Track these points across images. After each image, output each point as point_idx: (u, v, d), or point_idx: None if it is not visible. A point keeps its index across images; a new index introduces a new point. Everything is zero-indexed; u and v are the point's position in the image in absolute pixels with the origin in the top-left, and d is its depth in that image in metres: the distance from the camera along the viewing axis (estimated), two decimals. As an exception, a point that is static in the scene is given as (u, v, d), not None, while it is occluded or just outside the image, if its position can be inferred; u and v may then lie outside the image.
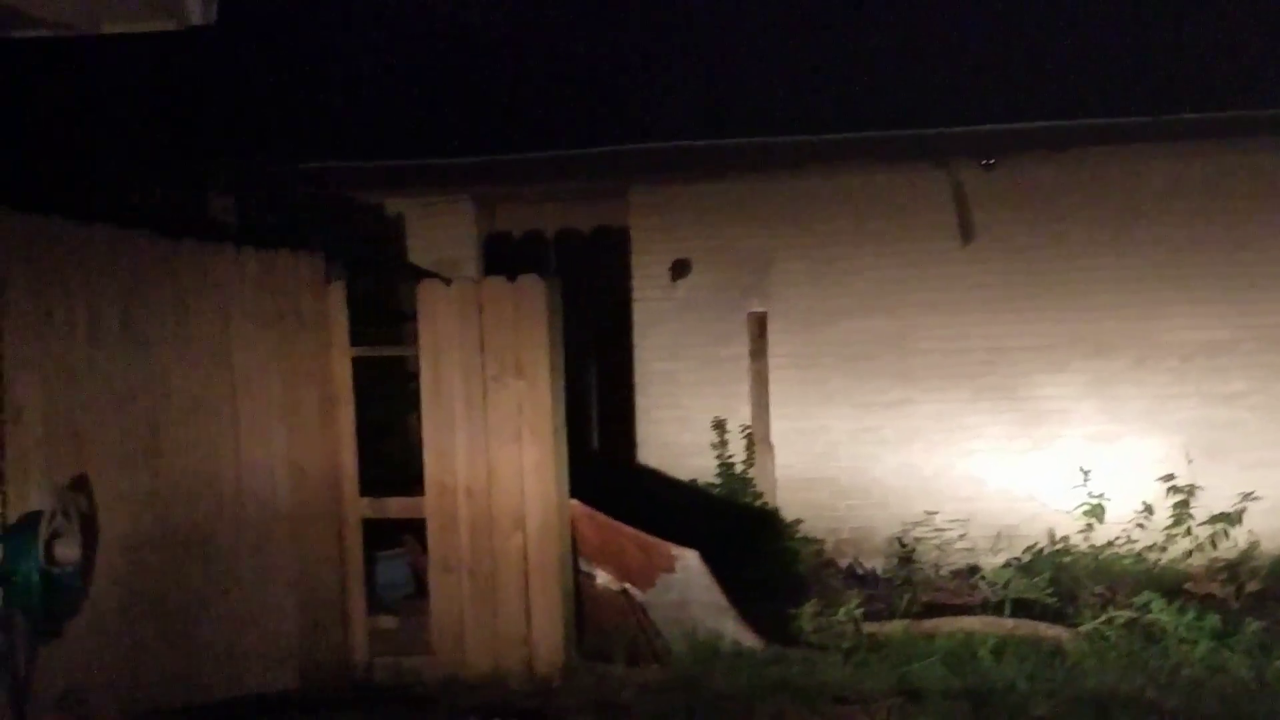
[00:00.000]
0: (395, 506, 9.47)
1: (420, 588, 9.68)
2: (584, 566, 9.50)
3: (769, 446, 12.84)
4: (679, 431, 12.99)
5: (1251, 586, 10.90)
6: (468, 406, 9.23)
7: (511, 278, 9.30)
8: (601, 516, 9.49)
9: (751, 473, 12.76)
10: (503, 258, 13.21)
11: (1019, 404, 12.57)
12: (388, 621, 9.51)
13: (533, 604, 9.09)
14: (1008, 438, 12.57)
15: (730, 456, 12.79)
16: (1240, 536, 11.75)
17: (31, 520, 6.93)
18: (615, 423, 13.49)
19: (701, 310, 13.06)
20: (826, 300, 12.87)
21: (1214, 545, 11.67)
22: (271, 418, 8.96)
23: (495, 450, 9.18)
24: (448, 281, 9.55)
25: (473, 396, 9.22)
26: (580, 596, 9.43)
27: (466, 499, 9.20)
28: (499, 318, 9.21)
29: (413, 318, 9.47)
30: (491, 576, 9.16)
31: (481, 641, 9.15)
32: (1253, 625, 9.07)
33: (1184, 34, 11.77)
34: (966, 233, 12.56)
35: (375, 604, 9.61)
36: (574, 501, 9.39)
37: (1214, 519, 11.72)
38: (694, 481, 12.78)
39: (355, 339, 9.48)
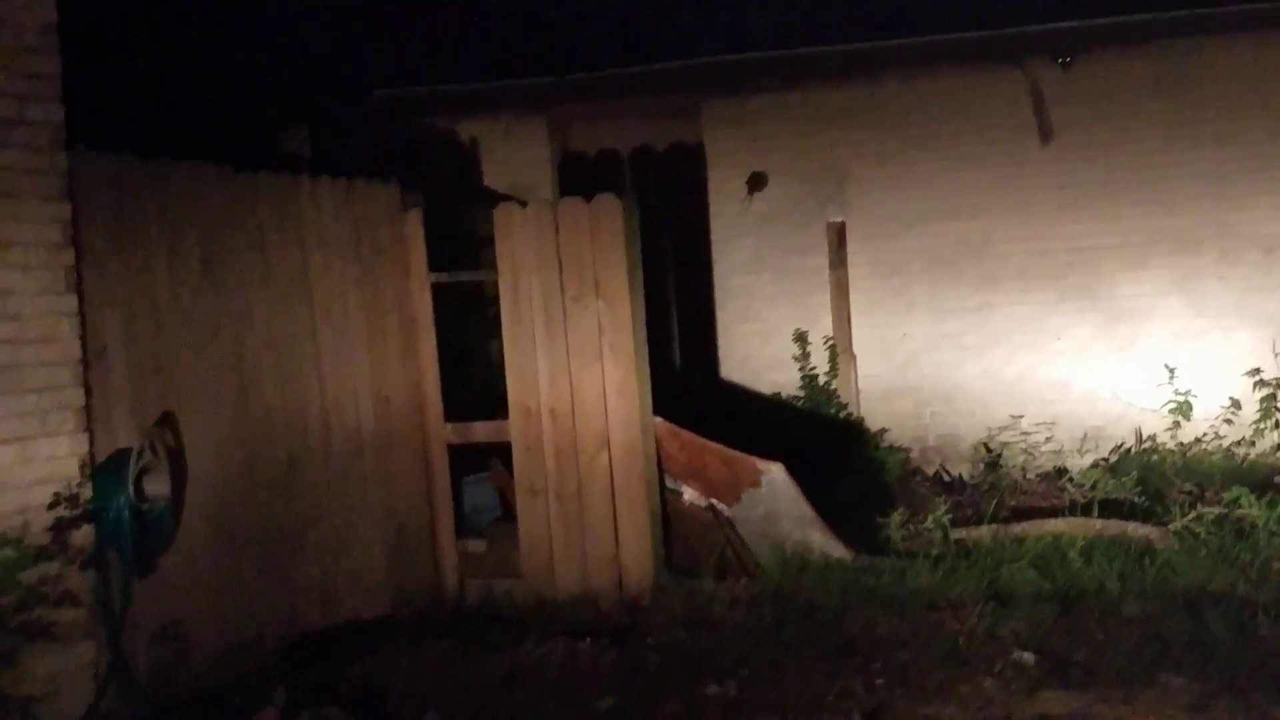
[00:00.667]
0: (480, 431, 9.55)
1: (507, 512, 9.77)
2: (670, 484, 9.53)
3: (851, 357, 12.82)
4: (760, 345, 13.00)
5: (1344, 479, 10.81)
6: (548, 329, 9.25)
7: (588, 198, 9.29)
8: (686, 434, 9.50)
9: (834, 384, 12.75)
10: (578, 178, 13.22)
11: (1102, 304, 12.47)
12: (476, 546, 9.61)
13: (620, 524, 9.15)
14: (1091, 338, 12.48)
15: (812, 368, 12.78)
16: (1328, 429, 11.67)
17: (120, 458, 7.00)
18: (696, 340, 13.50)
19: (779, 223, 13.02)
20: (905, 206, 12.80)
21: (1303, 438, 11.60)
22: (354, 348, 9.03)
23: (577, 371, 9.21)
24: (524, 204, 9.55)
25: (553, 318, 9.24)
26: (667, 514, 9.47)
27: (550, 421, 9.24)
28: (576, 238, 9.21)
29: (490, 242, 9.49)
30: (578, 498, 9.22)
31: (570, 563, 9.23)
32: (1344, 517, 8.97)
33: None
34: (1045, 133, 12.43)
35: (463, 529, 9.70)
36: (657, 419, 9.41)
37: (1302, 412, 11.66)
38: (777, 395, 12.79)
39: (434, 265, 9.53)
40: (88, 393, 6.91)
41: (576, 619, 8.66)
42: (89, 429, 6.90)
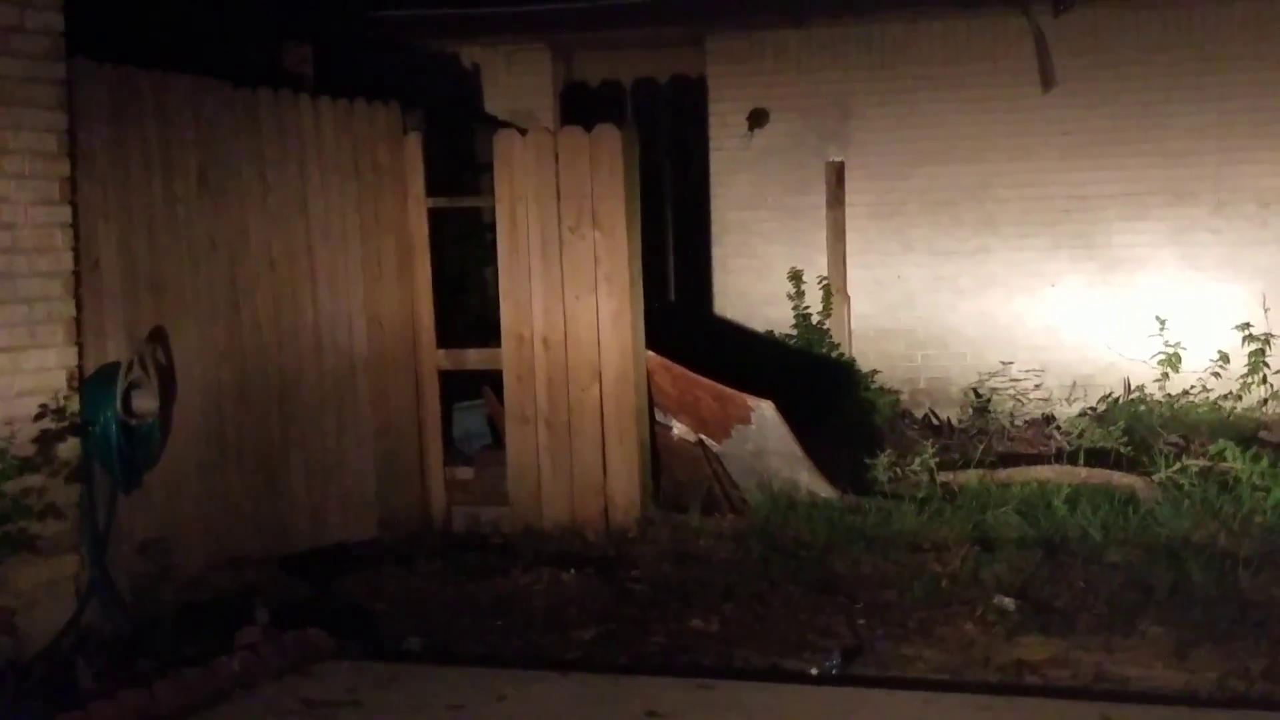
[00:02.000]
0: (472, 358, 9.59)
1: (499, 439, 9.79)
2: (660, 418, 9.58)
3: (845, 297, 12.83)
4: (755, 282, 12.99)
5: (1326, 434, 10.87)
6: (544, 257, 9.26)
7: (588, 127, 9.29)
8: (678, 368, 9.53)
9: (828, 323, 12.75)
10: (579, 107, 13.16)
11: (1097, 252, 12.47)
12: (465, 473, 9.65)
13: (609, 455, 9.18)
14: (1085, 286, 12.48)
15: (807, 307, 12.77)
16: (1315, 384, 11.72)
17: (109, 371, 7.00)
18: (692, 273, 13.50)
19: (779, 159, 12.99)
20: (905, 148, 12.77)
21: (1289, 393, 11.65)
22: (349, 269, 9.04)
23: (572, 301, 9.23)
24: (524, 132, 9.54)
25: (549, 248, 9.25)
26: (656, 447, 9.51)
27: (543, 350, 9.26)
28: (575, 168, 9.21)
29: (490, 168, 9.48)
30: (568, 427, 9.25)
31: (558, 492, 9.28)
32: (1328, 473, 9.01)
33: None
34: (1047, 79, 12.38)
35: (453, 455, 9.74)
36: (650, 353, 9.43)
37: (1289, 367, 11.71)
38: (770, 332, 12.80)
39: (432, 189, 9.51)
40: (79, 305, 6.89)
41: (563, 549, 8.73)
42: (79, 342, 6.88)
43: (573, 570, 7.95)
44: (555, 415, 9.26)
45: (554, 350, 9.25)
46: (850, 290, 12.84)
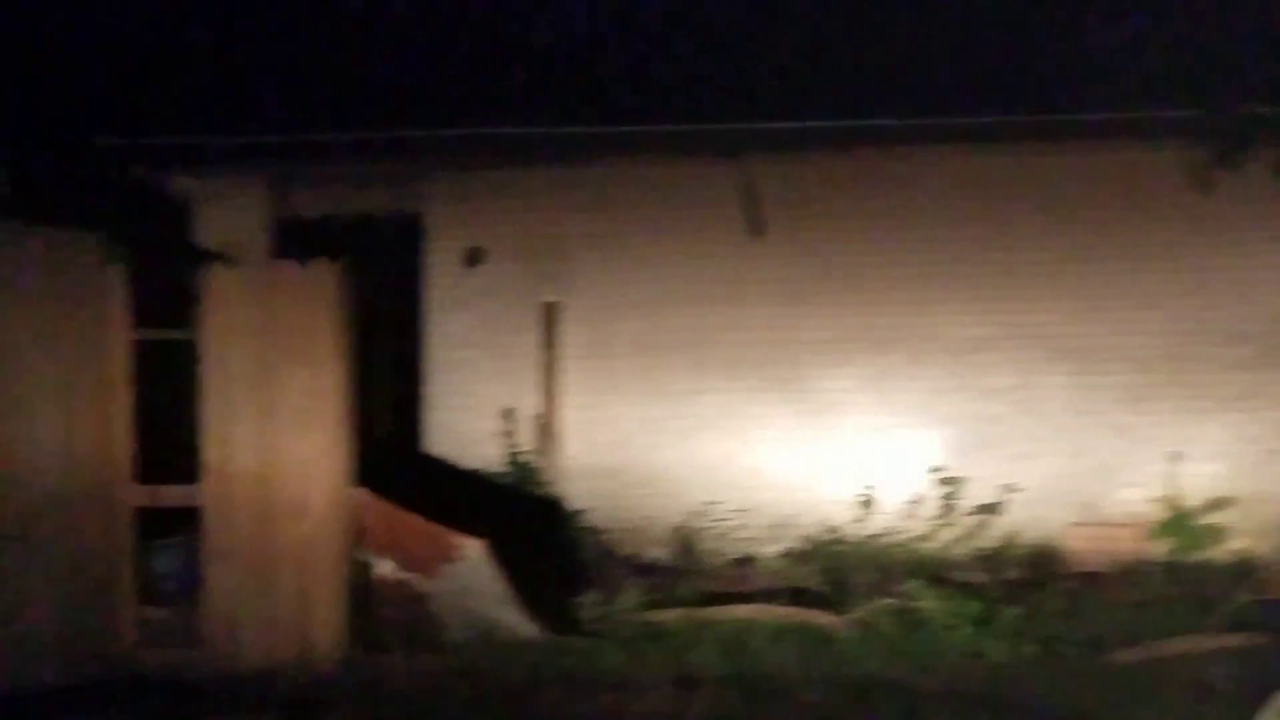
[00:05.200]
0: (171, 495, 9.35)
1: (199, 579, 9.59)
2: (367, 555, 9.51)
3: (557, 436, 12.94)
4: (469, 420, 13.01)
5: (1010, 574, 11.26)
6: (253, 392, 9.17)
7: (303, 262, 9.26)
8: (386, 505, 9.50)
9: (540, 462, 12.83)
10: (295, 241, 13.07)
11: (802, 396, 12.81)
12: (160, 613, 9.41)
13: (312, 594, 9.08)
14: (789, 428, 12.80)
15: (519, 445, 12.84)
16: (1001, 526, 12.13)
17: None
18: (405, 411, 13.45)
19: (495, 298, 13.08)
20: (620, 291, 12.98)
21: (977, 535, 12.04)
22: (42, 400, 8.78)
23: (280, 437, 9.13)
24: (237, 264, 9.48)
25: (258, 382, 9.16)
26: (362, 586, 9.43)
27: (247, 486, 9.13)
28: (289, 302, 9.17)
29: (201, 300, 9.38)
30: (270, 566, 9.11)
31: (257, 632, 9.11)
32: (1010, 612, 9.39)
33: (961, 42, 12.20)
34: (757, 227, 12.74)
35: (153, 595, 9.50)
36: (359, 490, 9.39)
37: (978, 509, 12.11)
38: (482, 471, 12.80)
39: (142, 321, 9.36)
40: None
41: (261, 691, 8.53)
42: None
43: (270, 714, 7.83)
44: (257, 553, 9.11)
45: (259, 487, 9.13)
46: (563, 429, 12.97)
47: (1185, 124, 10.38)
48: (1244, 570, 11.15)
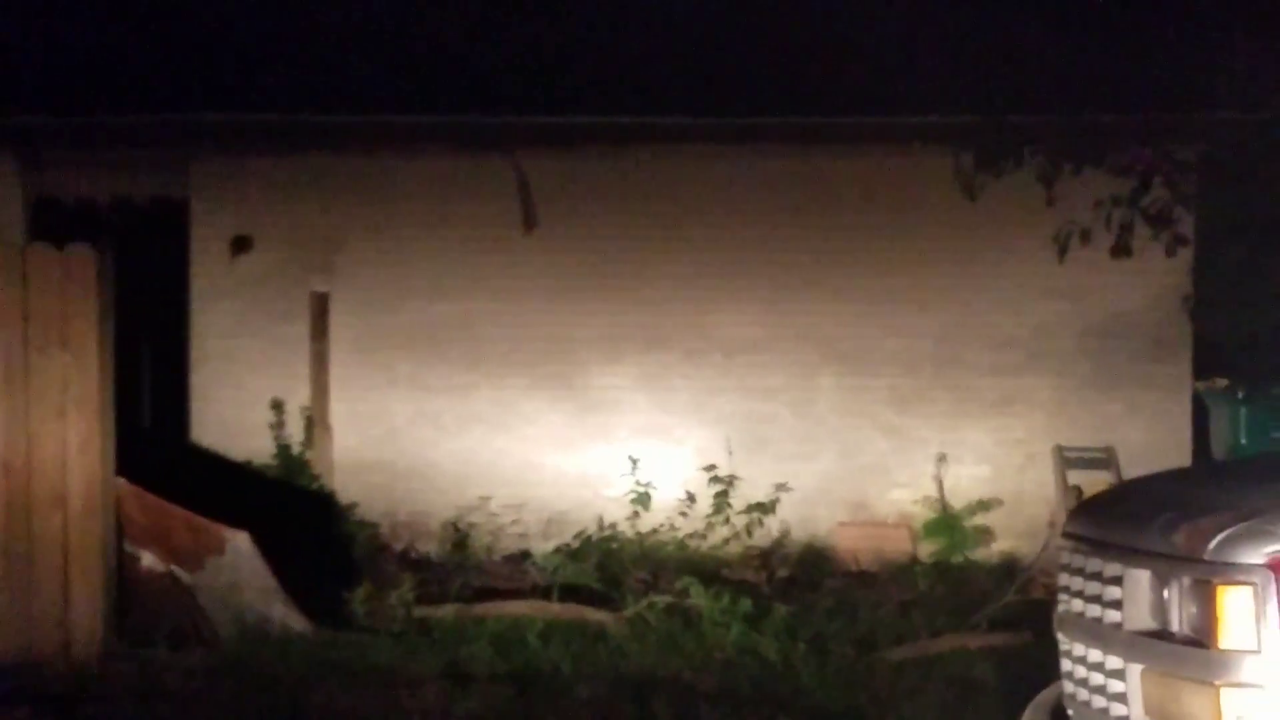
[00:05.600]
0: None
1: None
2: (129, 548, 9.22)
3: (328, 428, 12.77)
4: (237, 411, 12.78)
5: (782, 573, 11.50)
6: (7, 380, 8.80)
7: (60, 246, 8.95)
8: (150, 496, 9.24)
9: (310, 455, 12.65)
10: (53, 225, 12.65)
11: (576, 393, 12.86)
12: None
13: (72, 586, 8.76)
14: (564, 425, 12.84)
15: (288, 438, 12.65)
16: (773, 525, 12.27)
17: None
18: (170, 401, 13.15)
19: (263, 288, 12.88)
20: (392, 283, 12.88)
21: (750, 533, 12.12)
22: None
23: (37, 425, 8.79)
24: (-12, 247, 9.14)
25: (13, 369, 8.80)
26: (125, 579, 9.16)
27: (2, 476, 8.80)
28: (45, 287, 8.82)
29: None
30: (27, 558, 8.76)
31: (13, 625, 8.74)
32: (781, 610, 9.47)
33: (736, 43, 12.35)
34: (530, 221, 12.74)
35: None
36: (121, 480, 9.11)
37: (750, 508, 12.20)
38: (251, 463, 12.58)
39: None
40: None
41: (18, 685, 8.23)
42: None
43: (27, 709, 7.57)
44: (13, 545, 8.75)
45: (15, 477, 8.77)
46: (333, 422, 12.80)
47: (950, 130, 10.62)
48: (1008, 570, 11.47)
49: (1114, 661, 4.77)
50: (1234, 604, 4.33)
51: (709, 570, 11.24)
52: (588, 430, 12.84)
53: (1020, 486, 12.62)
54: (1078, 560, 5.13)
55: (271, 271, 12.88)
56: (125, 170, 13.20)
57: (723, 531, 12.16)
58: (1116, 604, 4.78)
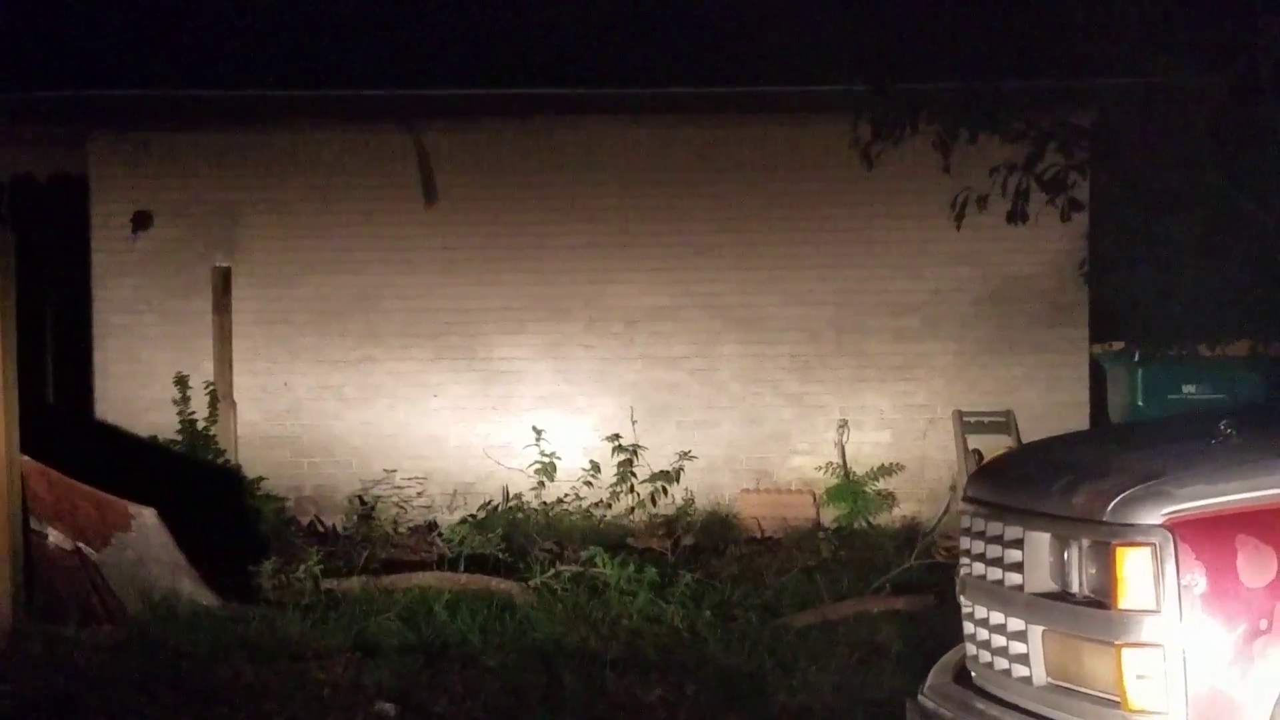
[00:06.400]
0: None
1: None
2: (35, 525, 9.16)
3: (232, 403, 12.73)
4: (140, 387, 12.71)
5: (687, 540, 11.54)
6: (-93, 359, 8.75)
7: (-42, 224, 8.89)
8: (54, 473, 9.17)
9: (214, 430, 12.60)
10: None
11: (478, 364, 12.89)
12: None
13: (-23, 565, 8.74)
14: (467, 397, 12.87)
15: (192, 413, 12.58)
16: (678, 494, 12.46)
17: None
18: (74, 377, 13.04)
19: (164, 263, 12.81)
20: (293, 256, 12.85)
21: (654, 502, 12.31)
22: None
23: (-61, 404, 8.75)
24: (-112, 226, 9.03)
25: (-87, 348, 8.75)
26: (32, 556, 9.10)
27: (-94, 455, 8.73)
28: (-58, 266, 8.77)
29: None
30: (-68, 537, 8.73)
31: (-83, 605, 8.72)
32: (686, 578, 9.55)
33: (639, 14, 12.40)
34: (430, 194, 12.74)
35: None
36: (26, 458, 9.04)
37: (654, 477, 12.39)
38: (155, 438, 12.52)
39: None
40: None
41: (-78, 664, 8.21)
42: None
43: (-69, 687, 7.53)
44: (-81, 524, 8.73)
45: (-83, 455, 8.74)
46: (237, 397, 12.76)
47: (846, 99, 10.73)
48: (910, 535, 11.64)
49: (1016, 624, 4.87)
50: (1133, 565, 4.42)
51: (614, 539, 11.35)
52: (491, 401, 12.87)
53: (921, 451, 12.80)
54: (979, 524, 5.22)
55: (173, 247, 12.80)
56: (25, 147, 13.07)
57: (627, 500, 12.32)
58: (1018, 566, 4.87)
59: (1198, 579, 4.37)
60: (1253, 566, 4.38)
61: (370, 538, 11.43)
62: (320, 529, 12.33)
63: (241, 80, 12.14)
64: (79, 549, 9.19)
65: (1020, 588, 4.86)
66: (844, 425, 12.72)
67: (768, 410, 12.90)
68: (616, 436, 12.51)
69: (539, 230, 12.83)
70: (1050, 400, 12.69)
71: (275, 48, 12.36)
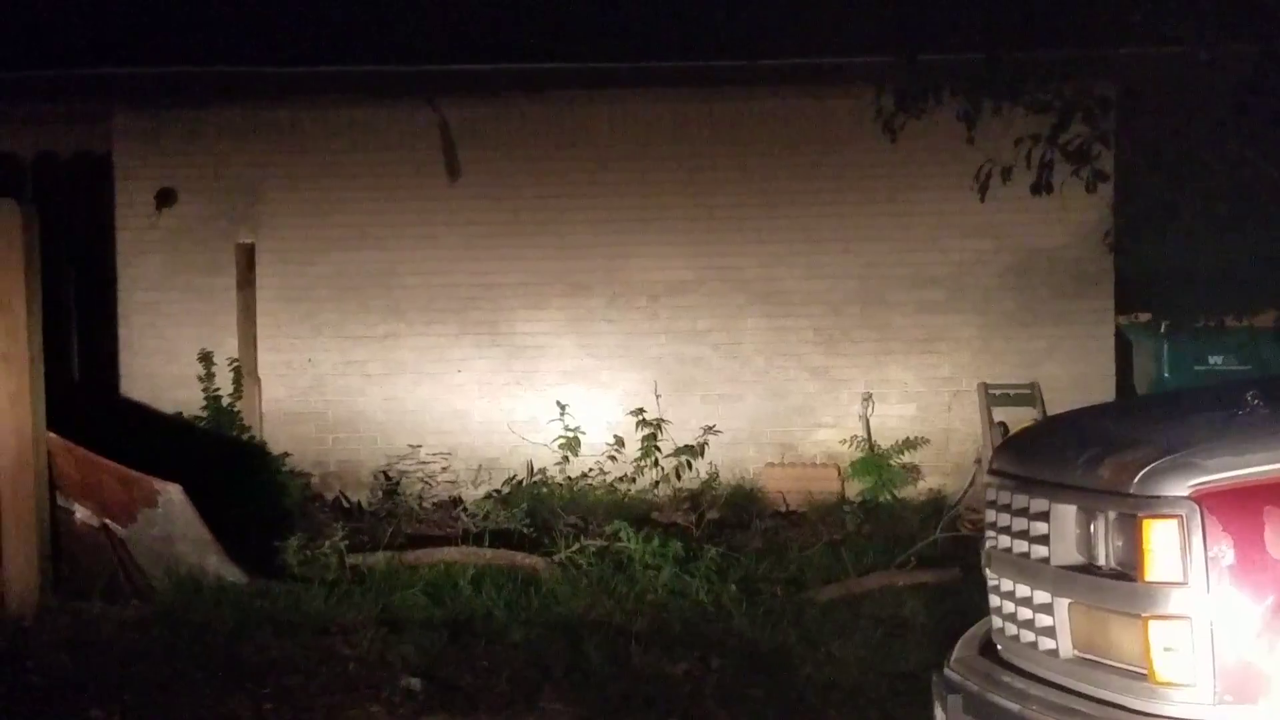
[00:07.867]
0: None
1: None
2: (62, 502, 9.21)
3: (256, 380, 12.75)
4: (165, 364, 12.74)
5: (711, 515, 11.56)
6: (-66, 336, 8.78)
7: (-18, 201, 8.90)
8: (81, 450, 9.21)
9: (238, 406, 12.63)
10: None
11: (501, 339, 12.88)
12: None
13: (6, 541, 8.74)
14: (490, 372, 12.86)
15: (217, 390, 12.61)
16: (702, 468, 12.46)
17: None
18: (100, 355, 13.08)
19: (188, 240, 12.83)
20: (316, 233, 12.85)
21: (678, 476, 12.29)
22: None
23: (-34, 383, 8.78)
24: (-89, 203, 9.04)
25: (-60, 325, 8.78)
26: (59, 533, 9.15)
27: (-70, 433, 8.77)
28: (-32, 243, 8.79)
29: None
30: (-42, 514, 8.77)
31: (-52, 582, 8.77)
32: (711, 552, 9.57)
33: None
34: (453, 170, 12.73)
35: None
36: (53, 435, 9.08)
37: (679, 451, 12.38)
38: (180, 415, 12.57)
39: None
40: None
41: (-48, 641, 8.26)
42: None
43: (-37, 664, 7.57)
44: (-55, 501, 8.78)
45: (-57, 433, 8.78)
46: (261, 373, 12.78)
47: (870, 70, 10.67)
48: (935, 508, 11.62)
49: (1042, 596, 4.84)
50: (1159, 537, 4.38)
51: (639, 514, 11.35)
52: (515, 376, 12.87)
53: (946, 424, 12.75)
54: (1004, 496, 5.20)
55: (196, 224, 12.82)
56: (48, 125, 13.09)
57: (651, 475, 12.31)
58: (1044, 539, 4.85)
59: (1225, 551, 4.34)
60: (1280, 538, 4.36)
61: (395, 513, 11.49)
62: (345, 504, 12.35)
63: (264, 56, 12.14)
64: (106, 525, 9.23)
65: (1046, 560, 4.83)
66: (868, 398, 12.68)
67: (791, 384, 12.87)
68: (640, 411, 12.49)
69: (561, 205, 12.81)
70: (1076, 372, 12.62)
71: (298, 24, 12.35)
